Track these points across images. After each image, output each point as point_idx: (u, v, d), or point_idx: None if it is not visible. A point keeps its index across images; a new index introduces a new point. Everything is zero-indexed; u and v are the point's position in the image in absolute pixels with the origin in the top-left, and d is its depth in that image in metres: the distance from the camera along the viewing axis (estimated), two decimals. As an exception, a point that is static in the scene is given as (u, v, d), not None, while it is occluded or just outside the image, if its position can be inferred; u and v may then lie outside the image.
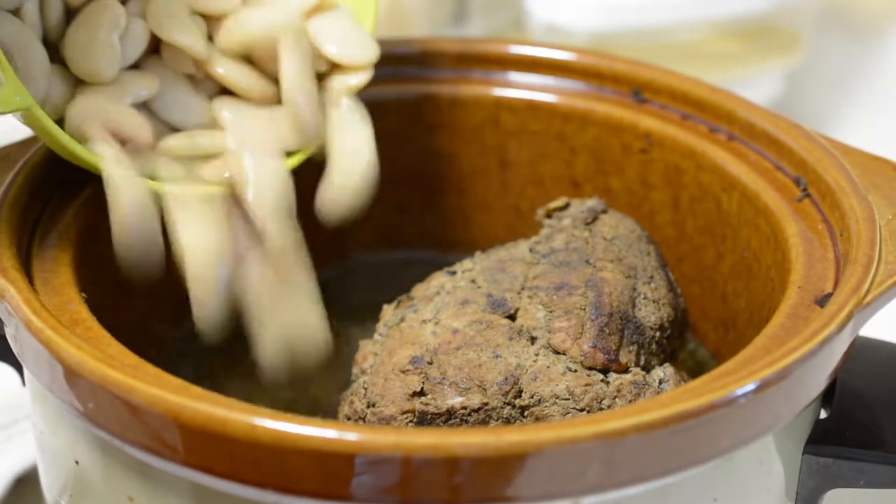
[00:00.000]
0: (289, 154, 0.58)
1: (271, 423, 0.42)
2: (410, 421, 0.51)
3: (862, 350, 0.52)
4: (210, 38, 0.59)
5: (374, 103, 0.60)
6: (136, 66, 0.57)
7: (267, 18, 0.58)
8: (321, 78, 0.60)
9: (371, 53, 0.60)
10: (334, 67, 0.60)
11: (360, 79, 0.60)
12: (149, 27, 0.57)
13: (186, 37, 0.57)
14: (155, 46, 0.57)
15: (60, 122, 0.54)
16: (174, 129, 0.58)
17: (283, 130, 0.58)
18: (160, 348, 0.61)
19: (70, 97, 0.55)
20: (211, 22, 0.59)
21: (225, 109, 0.58)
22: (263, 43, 0.58)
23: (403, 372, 0.52)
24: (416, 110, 0.65)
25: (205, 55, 0.57)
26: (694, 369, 0.62)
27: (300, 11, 0.59)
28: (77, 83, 0.55)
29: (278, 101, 0.59)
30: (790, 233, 0.54)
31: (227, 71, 0.58)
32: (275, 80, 0.59)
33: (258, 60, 0.59)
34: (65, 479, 0.51)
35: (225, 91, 0.59)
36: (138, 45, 0.56)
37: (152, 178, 0.56)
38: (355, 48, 0.59)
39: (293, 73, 0.58)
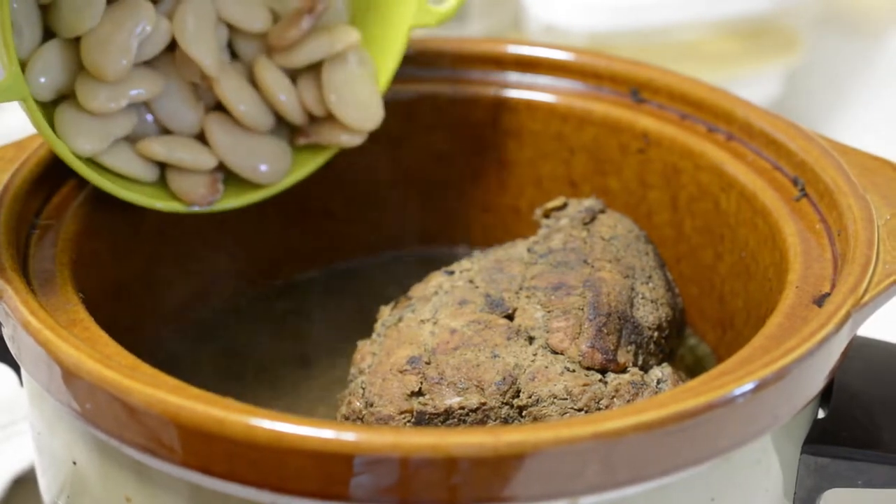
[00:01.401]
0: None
1: (269, 424, 0.42)
2: (408, 421, 0.51)
3: (860, 350, 0.52)
4: (230, 45, 0.59)
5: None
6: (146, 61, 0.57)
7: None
8: (315, 120, 0.60)
9: (370, 122, 0.60)
10: (331, 117, 0.60)
11: (352, 141, 0.60)
12: (172, 29, 0.56)
13: (202, 50, 0.56)
14: (172, 45, 0.57)
15: None
16: (166, 130, 0.58)
17: (264, 160, 0.58)
18: (158, 348, 0.61)
19: (72, 80, 0.55)
20: (234, 33, 0.59)
21: (216, 126, 0.58)
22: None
23: (401, 372, 0.52)
24: (415, 110, 0.65)
25: (214, 73, 0.57)
26: (694, 366, 0.62)
27: (325, 54, 0.59)
28: (82, 67, 0.55)
29: (271, 132, 0.59)
30: (788, 232, 0.54)
31: (231, 93, 0.58)
32: (274, 112, 0.59)
33: (264, 89, 0.59)
34: (63, 480, 0.51)
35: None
36: (156, 47, 0.56)
37: (128, 175, 0.56)
38: (358, 110, 0.59)
39: None
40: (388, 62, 0.61)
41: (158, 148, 0.57)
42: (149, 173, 0.57)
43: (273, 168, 0.59)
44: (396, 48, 0.61)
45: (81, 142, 0.55)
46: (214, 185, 0.58)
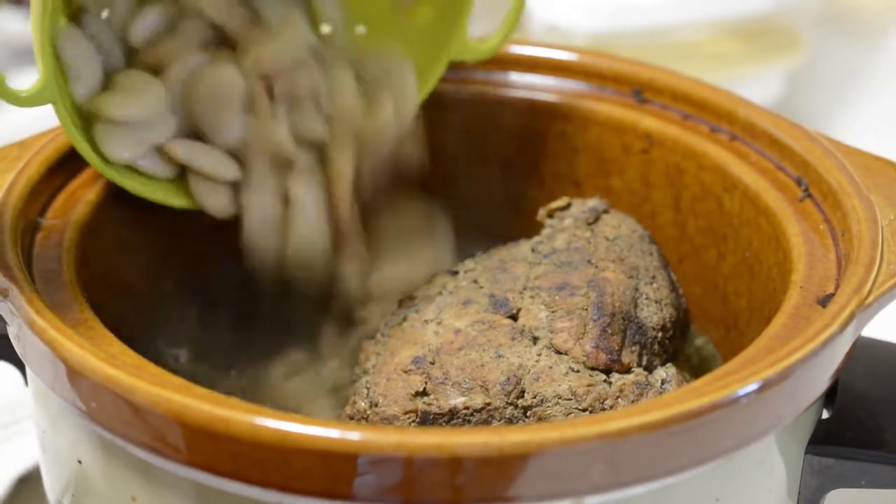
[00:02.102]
0: None
1: (274, 423, 0.42)
2: (413, 421, 0.51)
3: (864, 350, 0.52)
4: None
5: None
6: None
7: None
8: None
9: None
10: None
11: None
12: None
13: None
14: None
15: None
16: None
17: None
18: (162, 347, 0.61)
19: None
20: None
21: None
22: None
23: (406, 372, 0.52)
24: (418, 110, 0.65)
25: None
26: (699, 366, 0.62)
27: None
28: None
29: None
30: (792, 233, 0.54)
31: None
32: None
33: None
34: (67, 479, 0.51)
35: None
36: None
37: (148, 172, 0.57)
38: None
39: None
40: (419, 92, 0.61)
41: (181, 151, 0.56)
42: (168, 171, 0.57)
43: None
44: (430, 80, 0.61)
45: (118, 149, 0.55)
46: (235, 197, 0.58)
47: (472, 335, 0.53)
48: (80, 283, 0.51)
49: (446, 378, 0.51)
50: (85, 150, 0.54)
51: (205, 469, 0.44)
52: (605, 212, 0.59)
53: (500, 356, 0.52)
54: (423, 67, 0.61)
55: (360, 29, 0.62)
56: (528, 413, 0.51)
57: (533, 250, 0.58)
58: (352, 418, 0.53)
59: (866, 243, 0.51)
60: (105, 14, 0.55)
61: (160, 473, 0.46)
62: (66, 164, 0.56)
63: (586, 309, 0.53)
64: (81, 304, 0.50)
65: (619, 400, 0.51)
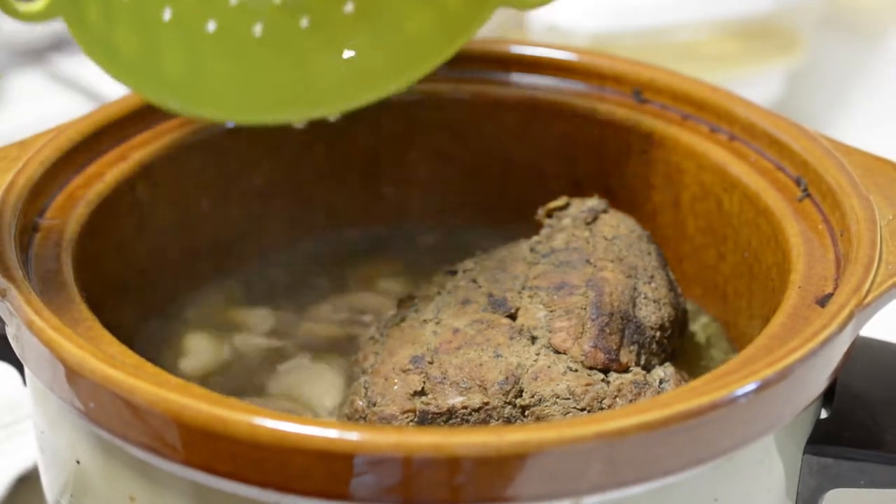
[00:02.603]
0: None
1: (272, 423, 0.42)
2: (411, 420, 0.51)
3: (862, 350, 0.52)
4: None
5: (376, 103, 0.60)
6: None
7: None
8: None
9: None
10: None
11: None
12: None
13: None
14: None
15: None
16: None
17: None
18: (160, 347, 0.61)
19: None
20: None
21: None
22: None
23: (404, 371, 0.52)
24: (418, 110, 0.65)
25: None
26: (706, 344, 0.61)
27: None
28: None
29: None
30: (791, 233, 0.54)
31: None
32: None
33: None
34: (66, 479, 0.51)
35: None
36: None
37: None
38: None
39: None
40: (463, 34, 0.60)
41: None
42: None
43: None
44: (475, 24, 0.60)
45: None
46: None
47: (471, 334, 0.53)
48: (80, 284, 0.51)
49: (444, 377, 0.51)
50: (96, 54, 0.54)
51: (203, 469, 0.44)
52: (604, 211, 0.60)
53: (498, 355, 0.52)
54: (471, 11, 0.60)
55: None
56: (527, 412, 0.51)
57: (532, 250, 0.58)
58: (350, 418, 0.53)
59: (865, 243, 0.51)
60: None
61: (158, 473, 0.46)
62: (66, 164, 0.56)
63: (585, 308, 0.53)
64: (80, 304, 0.50)
65: (618, 399, 0.51)
